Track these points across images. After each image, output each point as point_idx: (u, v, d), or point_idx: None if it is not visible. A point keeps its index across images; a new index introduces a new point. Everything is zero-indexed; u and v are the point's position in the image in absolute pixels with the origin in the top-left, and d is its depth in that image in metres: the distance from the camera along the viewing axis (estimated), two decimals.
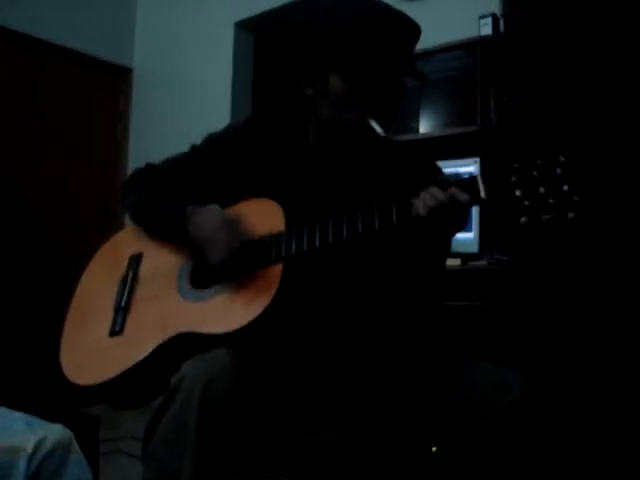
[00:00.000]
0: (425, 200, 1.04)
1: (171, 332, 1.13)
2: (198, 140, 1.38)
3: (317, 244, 1.12)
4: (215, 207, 1.24)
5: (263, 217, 1.22)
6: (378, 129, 1.15)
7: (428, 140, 2.53)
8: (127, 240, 1.38)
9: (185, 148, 1.40)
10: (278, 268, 1.14)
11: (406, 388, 1.20)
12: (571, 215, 0.99)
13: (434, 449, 1.17)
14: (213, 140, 1.35)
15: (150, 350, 1.13)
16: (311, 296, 1.19)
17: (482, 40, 2.43)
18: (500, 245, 2.32)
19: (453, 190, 1.03)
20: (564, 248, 1.93)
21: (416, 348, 1.26)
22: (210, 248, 1.16)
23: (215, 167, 1.32)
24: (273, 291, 1.10)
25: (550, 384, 1.85)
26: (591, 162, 1.61)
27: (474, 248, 2.42)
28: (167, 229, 1.27)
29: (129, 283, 1.27)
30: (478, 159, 2.51)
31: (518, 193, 1.02)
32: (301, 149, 1.29)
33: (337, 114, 1.19)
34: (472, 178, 1.06)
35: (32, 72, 3.72)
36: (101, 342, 1.22)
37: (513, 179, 1.03)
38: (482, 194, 1.03)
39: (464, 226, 1.08)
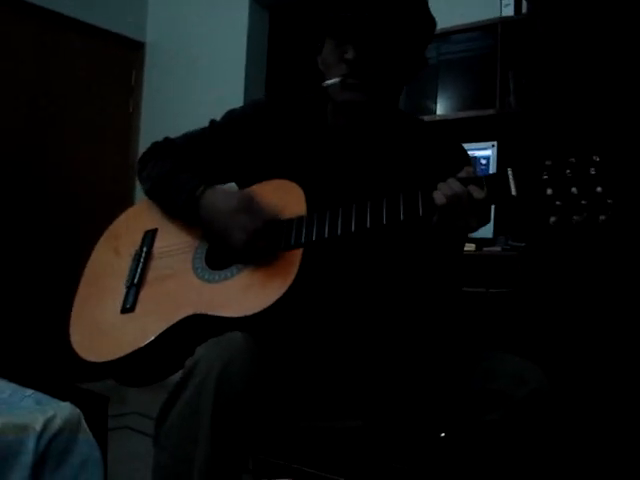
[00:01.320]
0: (443, 190, 1.01)
1: (185, 313, 1.11)
2: (209, 115, 1.35)
3: (339, 232, 1.09)
4: (231, 185, 1.21)
5: (283, 199, 1.18)
6: (328, 82, 1.12)
7: (445, 122, 2.48)
8: (142, 214, 1.35)
9: (197, 124, 1.36)
10: (297, 253, 1.10)
11: (420, 375, 1.17)
12: (602, 218, 0.96)
13: (442, 435, 1.15)
14: (233, 116, 1.32)
15: (162, 330, 1.11)
16: (329, 282, 1.16)
17: (503, 21, 2.37)
18: (515, 231, 2.29)
19: (471, 187, 1.00)
20: (584, 241, 1.89)
21: (432, 336, 1.23)
22: (229, 230, 1.13)
23: (234, 144, 1.28)
24: (292, 277, 1.07)
25: (565, 373, 1.82)
26: (627, 163, 1.55)
27: (488, 233, 2.38)
28: (177, 209, 1.24)
29: (143, 259, 1.25)
30: (495, 143, 2.48)
31: (549, 192, 0.98)
32: (321, 128, 1.26)
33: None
34: (502, 172, 1.02)
35: (45, 44, 3.68)
36: (112, 319, 1.19)
37: (545, 177, 0.99)
38: (513, 191, 1.00)
39: (484, 222, 1.04)
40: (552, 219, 0.99)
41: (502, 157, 2.43)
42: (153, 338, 1.11)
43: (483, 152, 2.48)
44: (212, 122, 1.34)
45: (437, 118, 2.49)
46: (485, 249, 2.28)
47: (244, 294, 1.10)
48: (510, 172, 1.02)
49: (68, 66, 3.78)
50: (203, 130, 1.34)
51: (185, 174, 1.26)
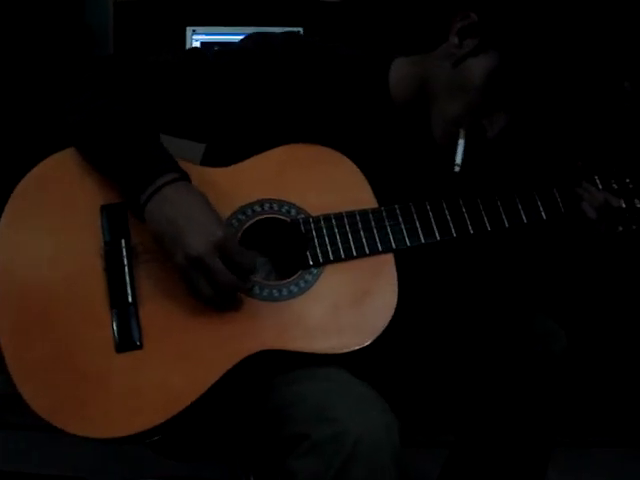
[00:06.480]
0: (591, 202, 0.91)
1: (245, 349, 0.78)
2: None
3: (447, 235, 0.88)
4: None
5: (331, 175, 0.88)
6: (459, 157, 0.86)
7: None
8: (79, 174, 0.84)
9: None
10: (388, 259, 0.86)
11: None
12: (634, 227, 0.99)
13: None
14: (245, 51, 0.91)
15: (217, 377, 0.77)
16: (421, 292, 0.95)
17: None
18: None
19: (606, 194, 0.92)
20: None
21: None
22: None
23: (246, 95, 0.90)
24: (394, 287, 0.84)
25: None
26: None
27: None
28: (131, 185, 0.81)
29: (126, 260, 0.80)
30: (301, 29, 2.29)
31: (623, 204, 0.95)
32: (380, 102, 0.94)
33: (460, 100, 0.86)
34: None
35: None
36: (102, 362, 0.77)
37: (615, 186, 0.96)
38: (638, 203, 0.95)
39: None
40: (620, 228, 0.97)
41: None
42: (204, 391, 0.76)
43: None
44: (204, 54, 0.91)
45: None
46: None
47: (337, 316, 0.82)
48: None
49: None
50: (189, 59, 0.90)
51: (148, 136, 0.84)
